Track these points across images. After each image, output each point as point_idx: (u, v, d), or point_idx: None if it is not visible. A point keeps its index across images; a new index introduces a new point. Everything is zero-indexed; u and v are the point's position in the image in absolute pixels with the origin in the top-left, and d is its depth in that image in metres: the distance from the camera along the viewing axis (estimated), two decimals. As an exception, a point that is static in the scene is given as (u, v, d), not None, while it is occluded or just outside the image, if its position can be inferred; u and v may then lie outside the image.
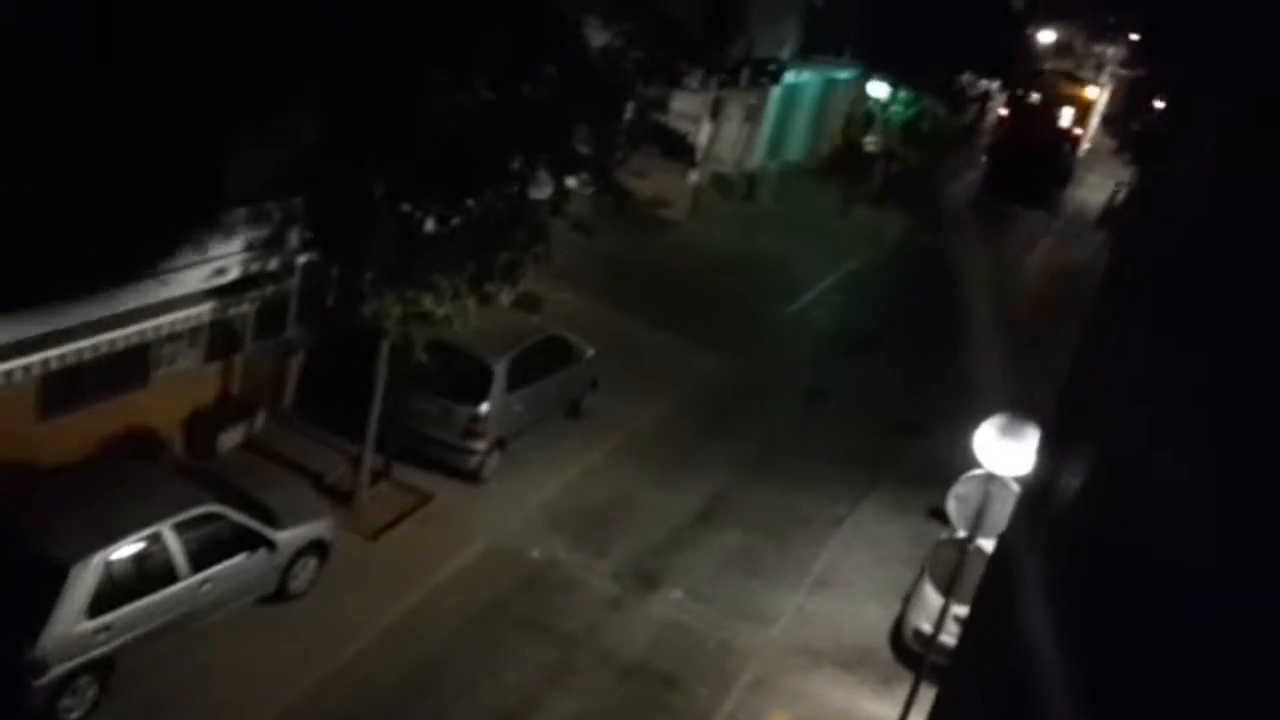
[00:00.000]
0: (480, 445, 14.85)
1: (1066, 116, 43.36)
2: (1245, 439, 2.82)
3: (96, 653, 10.23)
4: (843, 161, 34.64)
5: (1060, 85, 45.06)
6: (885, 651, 13.89)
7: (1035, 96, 43.97)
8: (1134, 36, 62.97)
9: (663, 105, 15.05)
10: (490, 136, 11.93)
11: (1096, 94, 51.17)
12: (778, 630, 13.89)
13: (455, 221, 12.43)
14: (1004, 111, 45.11)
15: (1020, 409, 10.11)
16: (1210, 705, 2.79)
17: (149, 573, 10.69)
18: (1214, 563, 2.86)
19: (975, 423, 10.07)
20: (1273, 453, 2.70)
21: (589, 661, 12.64)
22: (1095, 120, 50.69)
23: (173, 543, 10.84)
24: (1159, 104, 38.46)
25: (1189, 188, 3.65)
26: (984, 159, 42.63)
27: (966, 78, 40.54)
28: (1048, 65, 50.54)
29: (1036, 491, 5.64)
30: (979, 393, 18.97)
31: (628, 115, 14.18)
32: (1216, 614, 2.79)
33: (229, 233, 12.93)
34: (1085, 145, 46.85)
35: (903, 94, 32.88)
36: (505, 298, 13.37)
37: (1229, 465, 2.90)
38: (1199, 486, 2.99)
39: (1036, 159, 39.55)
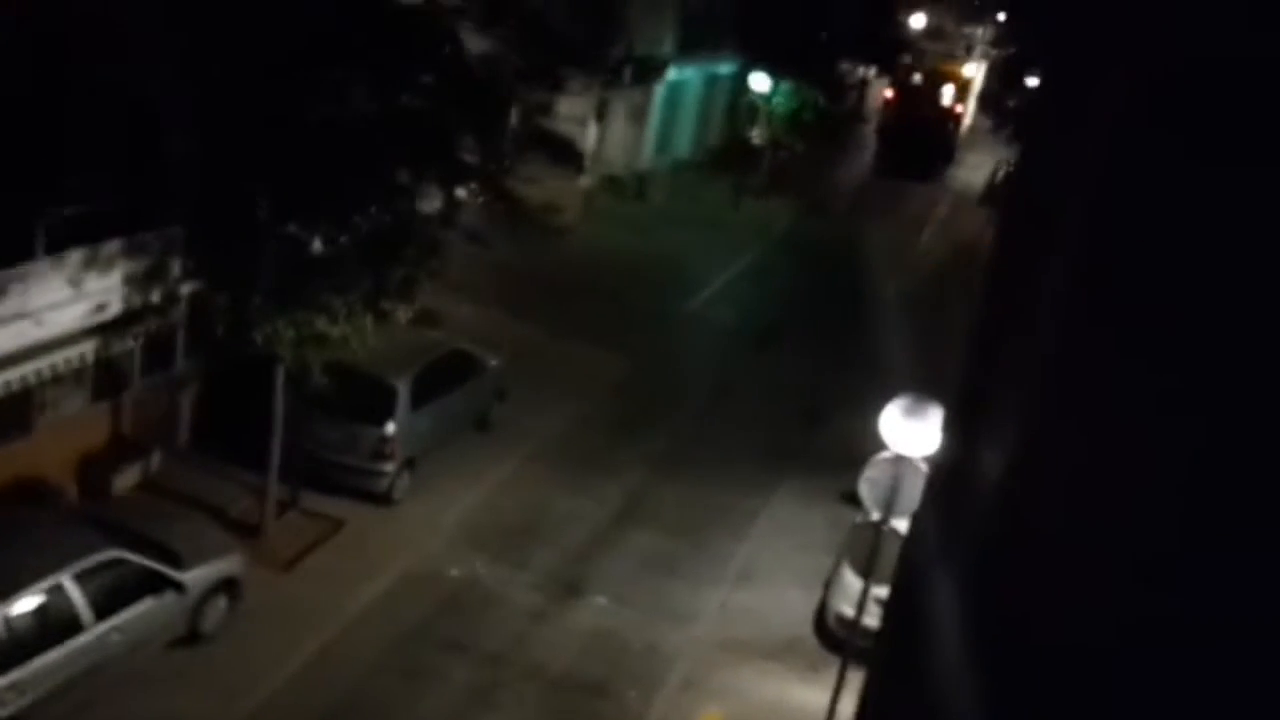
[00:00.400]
0: (389, 466, 14.58)
1: (947, 95, 45.65)
2: (1127, 412, 2.88)
3: (4, 713, 9.77)
4: (733, 155, 35.02)
5: (939, 65, 48.15)
6: (811, 639, 14.02)
7: (917, 77, 46.56)
8: (1000, 16, 65.24)
9: (547, 110, 14.93)
10: (372, 149, 11.72)
11: (973, 72, 53.82)
12: (702, 627, 13.92)
13: (344, 239, 12.18)
14: (889, 93, 46.69)
15: (923, 389, 10.30)
16: (1114, 685, 2.84)
17: (52, 625, 10.27)
18: (1115, 548, 2.91)
19: (880, 406, 10.22)
20: (1149, 430, 2.76)
21: (516, 676, 12.50)
22: (973, 98, 52.91)
23: (74, 592, 10.42)
24: (1031, 81, 39.71)
25: (1067, 165, 3.73)
26: (874, 140, 44.20)
27: (844, 66, 41.32)
28: (926, 47, 53.02)
29: (942, 471, 5.72)
30: (882, 375, 19.35)
31: (512, 122, 14.08)
32: (1118, 598, 2.84)
33: (105, 266, 12.48)
34: (967, 121, 49.07)
35: (783, 86, 33.31)
36: (403, 315, 13.13)
37: (1116, 440, 2.95)
38: (1092, 470, 3.04)
39: (922, 136, 41.63)
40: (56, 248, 11.93)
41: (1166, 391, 2.81)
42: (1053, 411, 3.43)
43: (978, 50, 66.06)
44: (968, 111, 49.97)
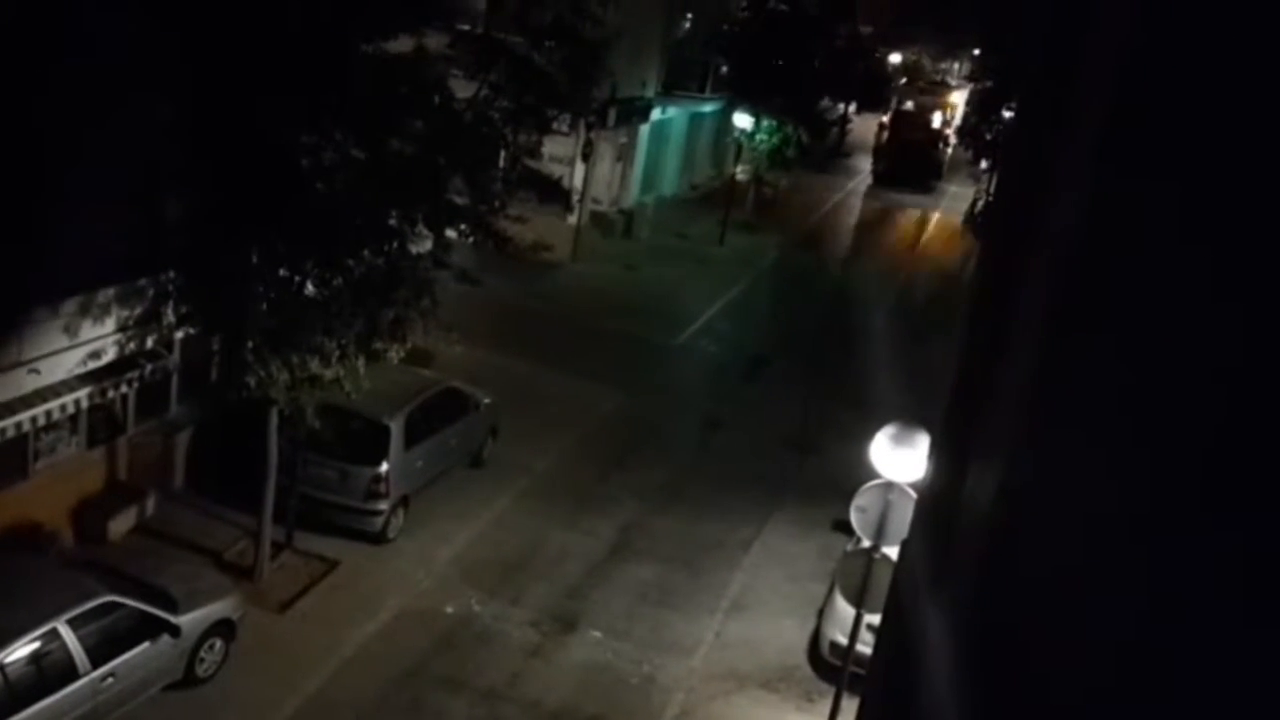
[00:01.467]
0: (383, 505, 14.64)
1: (936, 119, 52.22)
2: (1108, 436, 2.97)
3: (-1, 762, 9.77)
4: (719, 191, 35.37)
5: (928, 94, 55.84)
6: (805, 667, 14.07)
7: (909, 104, 53.57)
8: (976, 52, 66.57)
9: (534, 151, 15.16)
10: (363, 194, 11.88)
11: (958, 99, 60.04)
12: (699, 658, 13.96)
13: (336, 282, 12.31)
14: (885, 119, 52.71)
15: (911, 416, 10.45)
16: (1105, 710, 2.92)
17: (47, 672, 10.23)
18: (1104, 572, 2.98)
19: (870, 434, 10.36)
20: (1131, 451, 2.85)
21: (514, 713, 12.51)
22: (957, 121, 56.96)
23: (70, 638, 10.41)
24: (1006, 113, 40.26)
25: (1041, 191, 3.87)
26: (872, 160, 50.08)
27: (825, 103, 41.91)
28: (918, 81, 59.70)
29: (930, 497, 5.82)
30: (870, 404, 19.47)
31: (501, 163, 14.28)
32: (1109, 623, 2.91)
33: (100, 314, 12.58)
34: (953, 141, 53.80)
35: (766, 123, 33.73)
36: (395, 355, 13.25)
37: (1098, 462, 3.05)
38: (1076, 492, 3.13)
39: (915, 155, 47.26)
40: (52, 295, 12.03)
41: (1145, 411, 2.90)
42: (1033, 434, 3.54)
43: (953, 84, 67.64)
44: (952, 134, 54.38)
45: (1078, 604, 3.06)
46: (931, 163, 48.22)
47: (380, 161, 12.04)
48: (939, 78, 71.69)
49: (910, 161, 46.69)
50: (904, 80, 62.01)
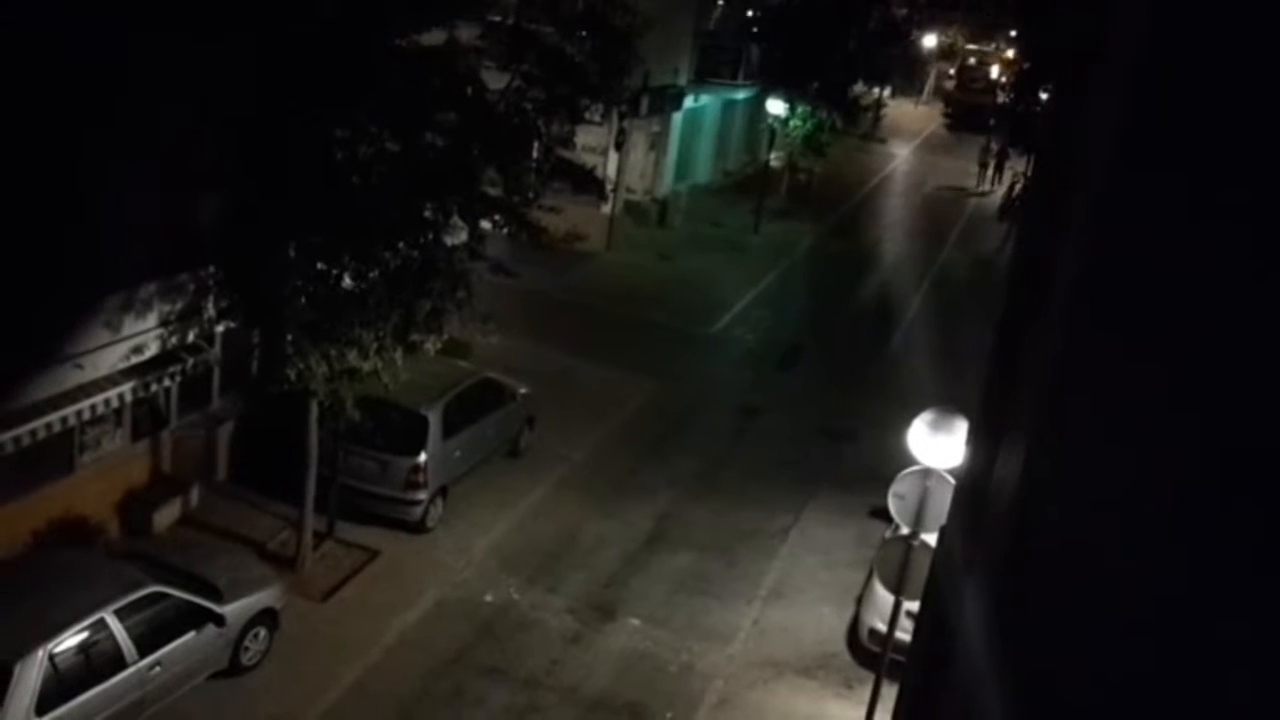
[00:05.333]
0: (422, 495, 14.77)
1: (994, 71, 68.31)
2: (1149, 423, 2.96)
3: (50, 750, 9.96)
4: (752, 178, 35.27)
5: (986, 55, 73.60)
6: (844, 654, 14.05)
7: (972, 60, 71.74)
8: (1013, 33, 66.54)
9: (567, 141, 15.17)
10: (398, 188, 11.96)
11: (1009, 55, 71.13)
12: (737, 646, 13.99)
13: (372, 275, 12.41)
14: (953, 72, 70.59)
15: (949, 402, 10.39)
16: (1140, 692, 2.91)
17: (96, 661, 10.44)
18: (1139, 555, 2.97)
19: (907, 421, 10.32)
20: (1165, 438, 2.84)
21: (553, 700, 12.61)
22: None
23: (117, 628, 10.61)
24: (1043, 94, 39.80)
25: (1083, 166, 3.85)
26: (943, 106, 64.68)
27: (859, 88, 41.61)
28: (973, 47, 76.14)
29: (968, 483, 5.81)
30: (907, 391, 19.39)
31: (534, 154, 14.31)
32: (1144, 606, 2.90)
33: (142, 309, 12.77)
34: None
35: (800, 109, 33.52)
36: (432, 346, 13.34)
37: (1137, 448, 3.03)
38: (1112, 477, 3.11)
39: (976, 100, 60.09)
40: (94, 292, 12.22)
41: (1181, 397, 2.89)
42: (1070, 419, 3.53)
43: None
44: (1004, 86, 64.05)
45: (1114, 586, 3.06)
46: (989, 106, 56.12)
47: (414, 154, 12.11)
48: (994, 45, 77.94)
49: (972, 105, 58.40)
50: (940, 60, 71.18)
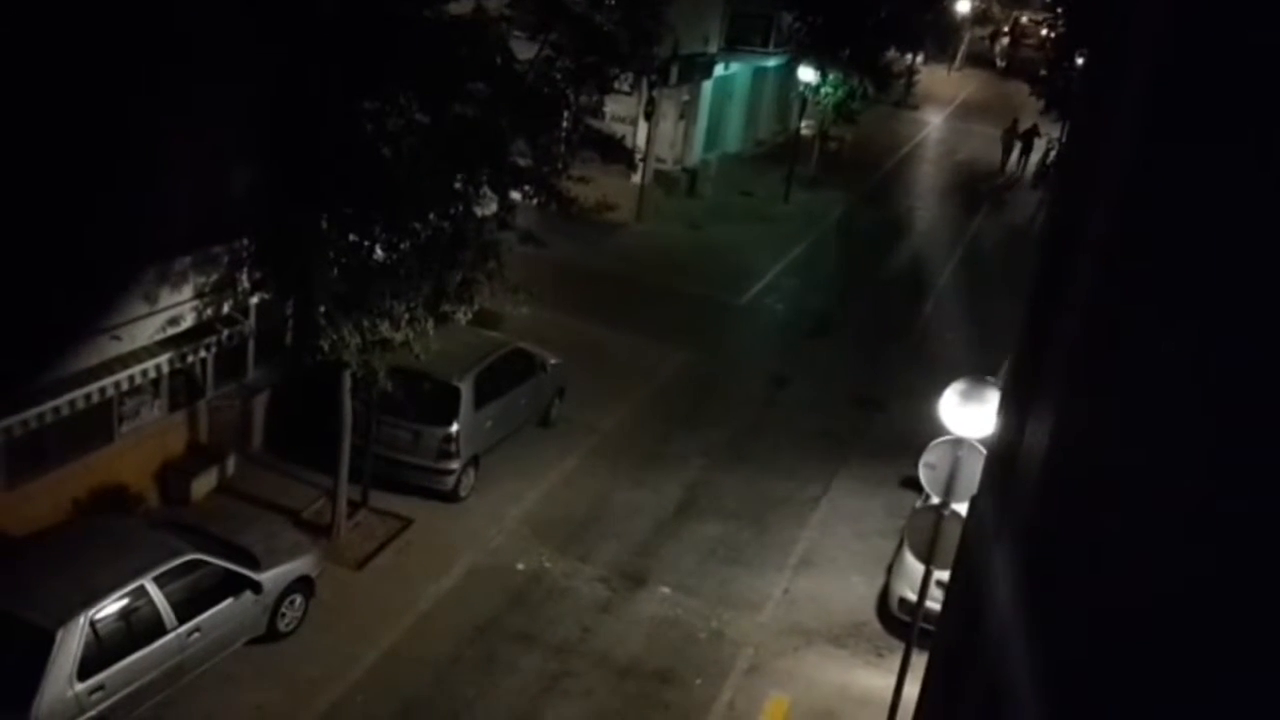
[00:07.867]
0: (455, 465, 14.90)
1: (1044, 31, 69.27)
2: (1181, 393, 2.95)
3: (91, 714, 10.16)
4: (783, 147, 35.00)
5: (1035, 20, 78.03)
6: (874, 623, 14.10)
7: (1025, 19, 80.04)
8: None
9: (597, 111, 15.13)
10: (428, 159, 11.98)
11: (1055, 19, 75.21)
12: (767, 614, 14.06)
13: (404, 246, 12.48)
14: (1006, 29, 78.39)
15: (980, 372, 10.35)
16: (1173, 661, 2.91)
17: (136, 628, 10.65)
18: (1170, 522, 2.96)
19: (938, 391, 10.28)
20: (1194, 408, 2.83)
21: (585, 666, 12.74)
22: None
23: (157, 595, 10.81)
24: (1079, 60, 39.21)
25: (1110, 140, 3.81)
26: (998, 58, 71.56)
27: (891, 54, 41.10)
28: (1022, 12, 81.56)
29: (999, 453, 5.80)
30: (937, 360, 19.31)
31: (564, 124, 14.28)
32: (1173, 572, 2.90)
33: (178, 281, 12.91)
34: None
35: (831, 76, 33.19)
36: (463, 317, 13.41)
37: (1161, 419, 3.02)
38: (1141, 447, 3.11)
39: (1030, 53, 67.99)
40: (131, 264, 12.36)
41: (1212, 365, 2.88)
42: (1100, 388, 3.52)
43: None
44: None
45: (1145, 555, 3.06)
46: (1039, 61, 59.25)
47: (443, 125, 12.13)
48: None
49: (1025, 59, 66.51)
50: (974, 25, 71.85)
